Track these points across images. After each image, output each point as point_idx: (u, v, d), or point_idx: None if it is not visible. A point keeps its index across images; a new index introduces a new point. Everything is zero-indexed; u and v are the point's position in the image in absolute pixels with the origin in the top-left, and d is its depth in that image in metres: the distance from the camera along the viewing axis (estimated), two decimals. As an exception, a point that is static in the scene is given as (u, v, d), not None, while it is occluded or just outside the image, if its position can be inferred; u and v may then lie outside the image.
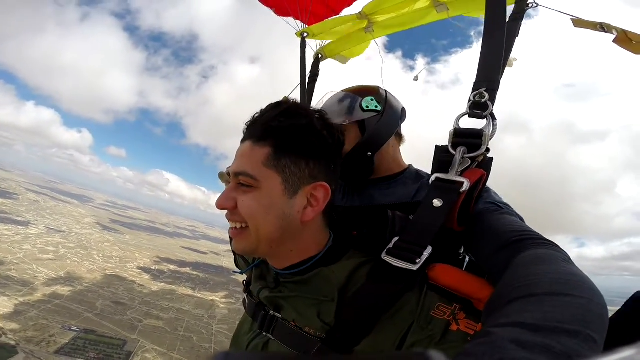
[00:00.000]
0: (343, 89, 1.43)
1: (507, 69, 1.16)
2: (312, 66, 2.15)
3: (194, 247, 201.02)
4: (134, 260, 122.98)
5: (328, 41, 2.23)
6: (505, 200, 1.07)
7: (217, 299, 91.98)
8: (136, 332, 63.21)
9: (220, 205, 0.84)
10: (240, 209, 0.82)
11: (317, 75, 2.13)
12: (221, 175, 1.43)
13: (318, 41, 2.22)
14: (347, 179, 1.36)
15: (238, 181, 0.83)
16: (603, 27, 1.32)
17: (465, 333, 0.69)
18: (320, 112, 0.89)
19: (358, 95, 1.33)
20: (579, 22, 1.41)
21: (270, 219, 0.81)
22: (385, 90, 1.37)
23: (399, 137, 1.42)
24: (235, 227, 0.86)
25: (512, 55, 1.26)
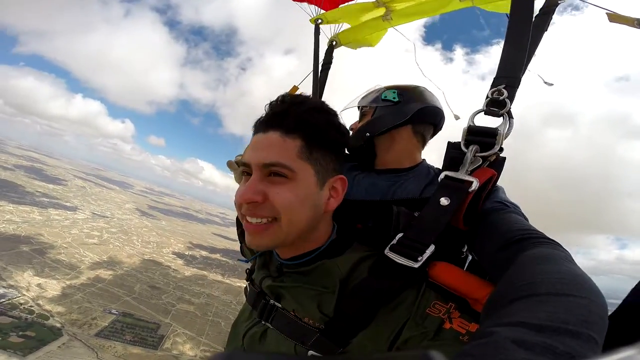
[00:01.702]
0: (389, 85, 1.51)
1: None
2: (325, 53, 2.11)
3: (224, 234, 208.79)
4: (169, 245, 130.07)
5: (343, 28, 2.14)
6: (513, 199, 1.06)
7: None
8: (169, 316, 67.09)
9: (248, 198, 0.79)
10: (274, 201, 0.80)
11: (331, 63, 2.08)
12: (230, 164, 1.41)
13: (332, 27, 2.15)
14: (350, 158, 1.46)
15: (269, 172, 0.81)
16: None
17: (457, 332, 0.70)
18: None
19: (385, 89, 1.44)
20: (614, 17, 1.36)
21: (304, 209, 0.82)
22: (415, 90, 1.42)
23: (419, 135, 1.42)
24: (260, 222, 0.82)
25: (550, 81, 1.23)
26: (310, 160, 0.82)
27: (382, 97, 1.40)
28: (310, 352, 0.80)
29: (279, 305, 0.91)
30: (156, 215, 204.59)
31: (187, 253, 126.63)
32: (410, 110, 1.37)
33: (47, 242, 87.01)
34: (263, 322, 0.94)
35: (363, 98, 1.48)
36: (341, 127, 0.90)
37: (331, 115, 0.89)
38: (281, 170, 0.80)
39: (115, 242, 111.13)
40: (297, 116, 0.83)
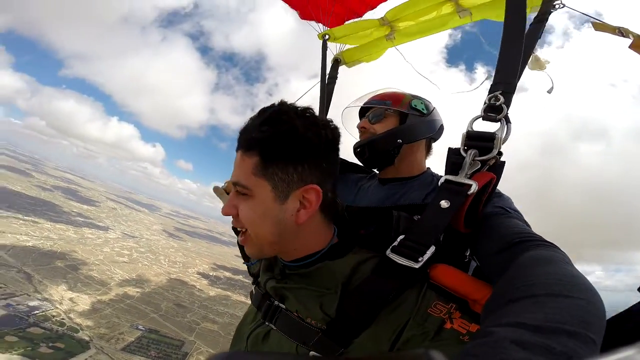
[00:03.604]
0: (400, 90, 1.56)
1: (541, 71, 1.29)
2: (330, 69, 2.17)
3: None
4: (194, 266, 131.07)
5: (348, 45, 2.21)
6: (514, 206, 1.08)
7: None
8: (193, 334, 66.51)
9: (225, 212, 0.89)
10: (240, 216, 0.86)
11: (336, 77, 2.16)
12: (215, 189, 1.62)
13: (338, 44, 2.24)
14: (366, 160, 1.46)
15: (236, 190, 0.87)
16: (621, 32, 1.32)
17: (458, 332, 0.71)
18: (306, 112, 0.87)
19: (411, 96, 1.47)
20: (599, 26, 1.40)
21: (266, 225, 0.84)
22: (431, 103, 1.49)
23: (429, 148, 1.51)
24: (242, 231, 0.90)
25: (545, 57, 1.32)
26: (266, 175, 0.82)
27: (412, 105, 1.41)
28: (312, 353, 0.81)
29: (283, 306, 0.92)
30: (182, 237, 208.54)
31: (211, 274, 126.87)
32: (437, 125, 1.46)
33: (80, 258, 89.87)
34: (267, 323, 0.94)
35: (381, 100, 1.45)
36: (306, 132, 0.83)
37: (287, 123, 0.82)
38: (241, 189, 0.85)
39: (144, 261, 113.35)
40: (251, 132, 0.84)
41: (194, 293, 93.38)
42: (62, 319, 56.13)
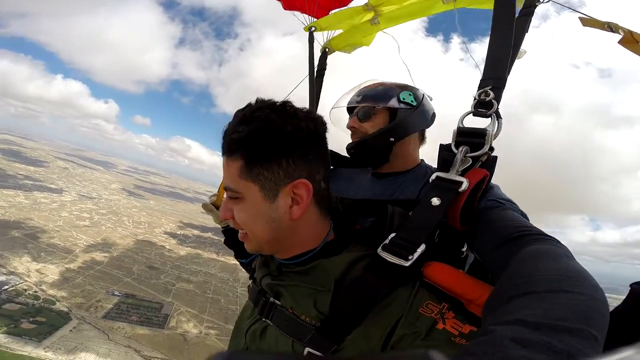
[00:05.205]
0: (384, 81, 1.49)
1: (516, 61, 1.19)
2: (319, 60, 2.17)
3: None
4: (160, 225, 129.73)
5: (334, 34, 2.23)
6: (507, 196, 1.07)
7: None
8: (170, 295, 68.61)
9: (222, 217, 0.91)
10: (235, 219, 0.88)
11: (325, 68, 2.17)
12: (204, 206, 1.63)
13: (325, 34, 2.22)
14: (361, 161, 1.46)
15: (229, 194, 0.88)
16: (610, 27, 1.30)
17: (450, 333, 0.69)
18: (284, 106, 0.85)
19: (398, 89, 1.41)
20: (587, 22, 1.40)
21: (260, 225, 0.86)
22: (424, 94, 1.45)
23: (422, 138, 1.49)
24: (241, 232, 0.92)
25: (522, 47, 1.31)
26: (252, 177, 0.82)
27: (401, 99, 1.37)
28: (307, 349, 0.81)
29: (278, 303, 0.93)
30: (143, 195, 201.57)
31: (179, 232, 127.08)
32: (428, 116, 1.43)
33: (37, 226, 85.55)
34: (263, 319, 0.96)
35: (368, 97, 1.42)
36: (285, 127, 0.81)
37: (262, 121, 0.80)
38: (231, 193, 0.86)
39: (107, 223, 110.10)
40: (228, 137, 0.84)
41: (164, 254, 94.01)
42: (35, 292, 55.47)
